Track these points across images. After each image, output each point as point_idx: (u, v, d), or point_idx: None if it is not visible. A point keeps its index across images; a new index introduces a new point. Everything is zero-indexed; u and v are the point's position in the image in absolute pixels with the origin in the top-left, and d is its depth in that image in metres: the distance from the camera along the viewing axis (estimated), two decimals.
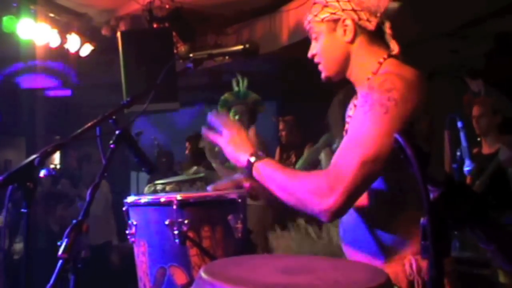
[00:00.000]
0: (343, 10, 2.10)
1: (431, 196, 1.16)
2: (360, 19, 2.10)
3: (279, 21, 6.24)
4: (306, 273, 1.46)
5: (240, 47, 2.50)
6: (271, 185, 2.02)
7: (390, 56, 2.11)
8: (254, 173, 2.07)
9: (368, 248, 2.08)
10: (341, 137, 2.21)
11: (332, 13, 2.12)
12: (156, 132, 8.61)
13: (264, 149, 4.54)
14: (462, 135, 3.88)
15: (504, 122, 5.03)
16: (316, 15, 2.15)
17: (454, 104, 5.42)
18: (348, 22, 2.10)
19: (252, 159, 2.08)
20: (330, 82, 2.22)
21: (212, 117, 2.29)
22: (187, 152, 7.50)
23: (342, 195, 1.83)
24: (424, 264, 1.96)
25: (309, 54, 2.23)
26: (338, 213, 1.87)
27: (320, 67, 2.21)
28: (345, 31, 2.11)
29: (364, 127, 1.89)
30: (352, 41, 2.12)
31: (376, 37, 2.13)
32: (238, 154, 2.14)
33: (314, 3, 2.19)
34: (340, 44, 2.13)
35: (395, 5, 2.13)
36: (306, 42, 2.29)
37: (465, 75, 5.52)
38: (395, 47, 2.11)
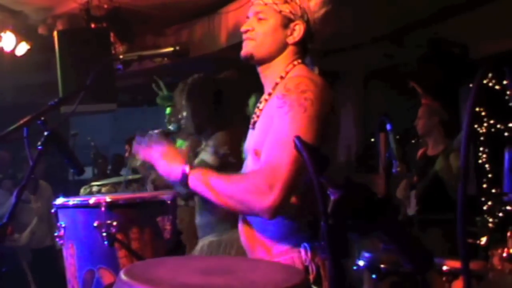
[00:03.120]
0: (300, 15, 2.22)
1: (332, 197, 1.21)
2: (308, 31, 2.24)
3: (218, 23, 6.26)
4: (225, 274, 1.49)
5: (171, 49, 2.53)
6: (208, 193, 2.06)
7: (302, 62, 2.26)
8: (190, 183, 2.09)
9: (272, 234, 2.16)
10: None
11: (291, 12, 2.21)
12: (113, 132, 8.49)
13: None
14: (390, 137, 3.97)
15: (445, 125, 5.17)
16: (276, 4, 2.22)
17: (388, 106, 5.56)
18: (298, 28, 2.22)
19: (187, 169, 2.10)
20: (246, 61, 2.26)
21: (139, 139, 2.33)
22: (126, 154, 7.43)
23: (281, 191, 1.92)
24: (317, 252, 2.05)
25: (243, 29, 2.27)
26: (278, 208, 1.95)
27: (248, 43, 2.26)
28: (292, 33, 2.22)
29: (286, 126, 2.00)
30: (293, 44, 2.24)
31: (306, 47, 2.28)
32: (171, 168, 2.16)
33: None
34: (282, 40, 2.23)
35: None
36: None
37: (396, 80, 5.66)
38: (316, 69, 2.28)
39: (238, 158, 3.38)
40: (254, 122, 2.26)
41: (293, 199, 2.06)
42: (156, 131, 2.75)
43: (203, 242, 3.48)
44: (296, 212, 2.11)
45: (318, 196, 1.08)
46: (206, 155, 3.49)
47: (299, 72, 2.19)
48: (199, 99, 3.60)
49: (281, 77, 2.20)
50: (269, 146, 2.03)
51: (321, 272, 2.05)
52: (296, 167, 1.93)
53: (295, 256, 2.09)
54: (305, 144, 1.14)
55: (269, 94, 2.22)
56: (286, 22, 2.22)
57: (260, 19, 2.24)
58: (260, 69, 2.29)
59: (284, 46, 2.23)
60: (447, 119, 5.19)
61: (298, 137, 1.18)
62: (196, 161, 3.52)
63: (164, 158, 2.19)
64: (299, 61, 2.24)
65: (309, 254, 2.06)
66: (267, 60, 2.25)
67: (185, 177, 2.09)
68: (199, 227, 3.58)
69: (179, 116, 3.82)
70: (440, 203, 4.95)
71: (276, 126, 2.04)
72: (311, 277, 2.04)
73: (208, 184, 2.05)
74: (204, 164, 3.43)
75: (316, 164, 1.11)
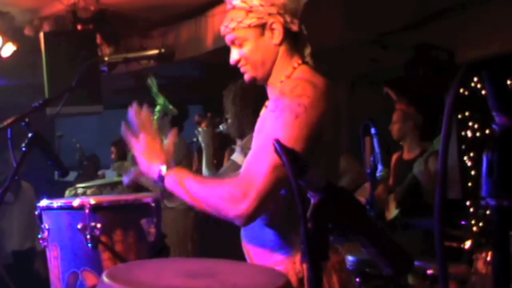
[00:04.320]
0: (269, 14, 2.14)
1: (312, 201, 1.21)
2: (285, 21, 2.15)
3: (205, 26, 6.25)
4: (207, 277, 1.50)
5: (156, 51, 2.54)
6: (183, 194, 2.05)
7: (304, 62, 2.19)
8: (166, 184, 2.09)
9: (267, 245, 2.15)
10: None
11: (258, 18, 2.14)
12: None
13: (188, 160, 4.53)
14: (375, 141, 3.99)
15: (420, 129, 5.23)
16: (241, 22, 2.15)
17: (373, 110, 5.58)
18: (276, 25, 2.14)
19: (164, 169, 2.09)
20: (254, 83, 2.24)
21: (132, 113, 2.26)
22: (112, 156, 7.42)
23: (255, 200, 1.89)
24: None
25: (232, 61, 2.22)
26: (251, 217, 1.93)
27: (245, 69, 2.22)
28: (273, 34, 2.15)
29: (276, 132, 1.94)
30: (279, 44, 2.16)
31: (297, 40, 2.21)
32: (151, 165, 2.15)
33: (233, 8, 2.18)
34: (269, 47, 2.16)
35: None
36: (230, 48, 2.30)
37: (383, 85, 5.70)
38: (308, 48, 2.20)
39: None
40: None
41: (283, 208, 2.04)
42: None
43: None
44: (289, 221, 2.08)
45: (296, 200, 1.08)
46: (235, 155, 3.51)
47: (300, 74, 2.13)
48: (242, 103, 3.61)
49: (281, 82, 2.16)
50: (253, 153, 2.01)
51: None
52: (274, 176, 1.90)
53: (289, 267, 2.08)
54: (284, 147, 1.15)
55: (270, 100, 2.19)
56: (261, 29, 2.16)
57: (238, 45, 2.20)
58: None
59: (275, 50, 2.17)
60: (421, 123, 5.26)
61: (277, 141, 1.19)
62: (229, 162, 3.55)
63: (144, 154, 2.17)
64: (299, 61, 2.18)
65: (304, 264, 2.00)
66: (270, 73, 2.20)
67: (161, 177, 2.08)
68: None
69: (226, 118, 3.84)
70: (419, 207, 5.00)
71: (265, 130, 2.01)
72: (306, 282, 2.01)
73: (183, 185, 2.04)
74: (234, 164, 3.45)
75: (295, 168, 1.12)
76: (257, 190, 1.89)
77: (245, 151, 3.48)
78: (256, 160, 1.96)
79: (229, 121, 3.73)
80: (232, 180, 2.01)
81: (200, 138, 4.02)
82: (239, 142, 3.69)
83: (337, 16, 5.71)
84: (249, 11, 2.14)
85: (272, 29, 2.15)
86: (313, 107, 1.97)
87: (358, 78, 7.50)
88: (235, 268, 1.67)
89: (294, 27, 2.16)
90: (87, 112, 6.17)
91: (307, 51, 2.22)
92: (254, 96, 3.60)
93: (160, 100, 4.55)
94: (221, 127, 4.08)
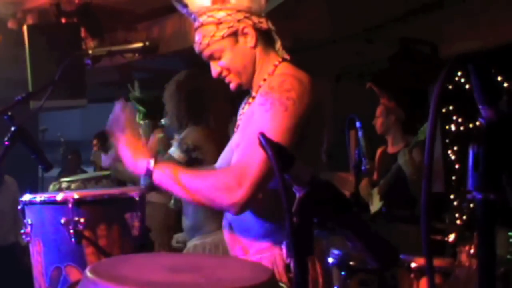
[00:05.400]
0: (238, 21, 2.20)
1: (297, 195, 1.21)
2: (254, 23, 2.22)
3: (189, 20, 6.23)
4: (191, 272, 1.49)
5: (140, 44, 2.52)
6: (174, 187, 2.08)
7: (284, 60, 2.26)
8: (155, 177, 2.11)
9: (254, 232, 2.20)
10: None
11: (229, 27, 2.19)
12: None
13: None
14: (360, 134, 4.01)
15: (404, 123, 5.28)
16: (213, 36, 2.19)
17: (359, 104, 5.60)
18: (247, 29, 2.21)
19: (151, 163, 2.11)
20: (240, 89, 2.29)
21: (118, 108, 2.31)
22: (95, 149, 7.38)
23: (249, 189, 1.95)
24: None
25: (215, 75, 2.27)
26: (245, 205, 1.99)
27: (229, 79, 2.27)
28: (246, 38, 2.21)
29: (266, 124, 2.01)
30: (255, 46, 2.23)
31: (269, 39, 2.28)
32: (136, 160, 2.17)
33: (202, 25, 2.23)
34: (246, 51, 2.22)
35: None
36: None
37: (368, 78, 5.72)
38: (278, 42, 2.27)
39: (207, 155, 3.39)
40: (238, 125, 2.30)
41: (271, 196, 2.06)
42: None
43: (189, 246, 3.50)
44: (277, 210, 2.12)
45: (282, 194, 1.08)
46: (172, 149, 3.52)
47: (284, 70, 2.19)
48: (177, 96, 3.63)
49: (264, 80, 2.21)
50: (244, 143, 2.07)
51: None
52: (267, 166, 1.95)
53: (276, 253, 2.13)
54: (270, 141, 1.14)
55: (253, 98, 2.24)
56: (234, 37, 2.21)
57: (217, 58, 2.24)
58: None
59: (253, 53, 2.23)
60: (404, 117, 5.31)
61: (262, 134, 1.18)
62: (166, 156, 3.54)
63: (130, 149, 2.20)
64: (279, 58, 2.25)
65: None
66: (252, 76, 2.26)
67: (149, 171, 2.10)
68: (185, 231, 3.61)
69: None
70: (403, 199, 5.03)
71: (255, 123, 2.06)
72: (292, 274, 2.04)
73: (173, 179, 2.06)
74: (170, 158, 3.46)
75: (280, 162, 1.11)
76: (251, 179, 1.95)
77: (182, 146, 3.49)
78: (249, 151, 1.99)
79: (169, 114, 3.75)
80: (225, 170, 2.10)
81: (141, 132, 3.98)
82: (176, 137, 3.69)
83: (322, 11, 5.71)
84: (218, 23, 2.19)
85: (244, 34, 2.21)
86: (300, 101, 2.04)
87: (343, 72, 7.51)
88: (220, 262, 1.66)
89: (263, 26, 2.24)
90: (71, 105, 6.14)
91: (278, 45, 2.29)
92: (191, 90, 3.63)
93: (140, 108, 4.49)
94: (163, 120, 4.09)
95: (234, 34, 2.20)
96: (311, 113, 2.09)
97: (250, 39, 2.21)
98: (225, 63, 2.23)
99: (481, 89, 1.01)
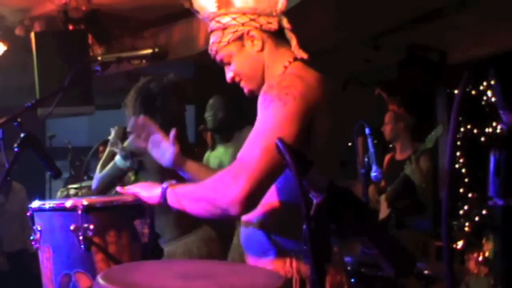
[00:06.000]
0: (242, 24, 2.16)
1: (315, 201, 1.19)
2: (261, 24, 2.17)
3: (197, 26, 6.24)
4: (204, 278, 1.48)
5: (149, 50, 2.52)
6: (184, 204, 2.07)
7: (295, 59, 2.18)
8: (169, 200, 2.12)
9: (257, 246, 2.16)
10: None
11: (234, 32, 2.17)
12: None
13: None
14: (369, 141, 4.00)
15: (413, 129, 5.26)
16: (220, 41, 2.19)
17: (366, 111, 5.59)
18: (253, 32, 2.17)
19: (164, 186, 2.14)
20: (254, 96, 2.22)
21: (138, 121, 2.40)
22: (101, 155, 7.35)
23: (247, 182, 1.85)
24: (303, 263, 2.04)
25: (228, 79, 2.26)
26: (247, 202, 1.88)
27: (242, 84, 2.25)
28: (252, 41, 2.17)
29: (265, 120, 1.96)
30: (262, 49, 2.18)
31: (281, 38, 2.21)
32: (152, 195, 2.22)
33: (212, 31, 2.23)
34: (253, 56, 2.19)
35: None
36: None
37: (375, 85, 5.71)
38: (293, 41, 2.19)
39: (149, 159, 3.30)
40: None
41: (278, 209, 2.04)
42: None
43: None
44: (280, 224, 2.09)
45: (301, 199, 1.06)
46: (116, 158, 3.53)
47: (291, 71, 2.14)
48: (133, 101, 3.62)
49: None
50: (245, 144, 2.00)
51: (306, 283, 2.03)
52: (266, 158, 1.87)
53: (279, 267, 2.06)
54: (288, 146, 1.13)
55: None
56: (240, 43, 2.19)
57: (227, 63, 2.24)
58: None
59: (261, 57, 2.19)
60: (413, 124, 5.29)
61: (280, 139, 1.17)
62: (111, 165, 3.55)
63: (143, 190, 2.28)
64: (290, 59, 2.18)
65: (294, 264, 2.04)
66: (262, 81, 2.21)
67: (164, 200, 2.13)
68: None
69: None
70: (412, 206, 5.02)
71: (256, 122, 2.02)
72: None
73: (181, 196, 2.06)
74: (116, 167, 3.46)
75: (299, 167, 1.09)
76: (249, 172, 1.86)
77: (121, 153, 3.49)
78: (247, 147, 1.96)
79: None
80: (223, 170, 2.03)
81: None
82: (120, 145, 3.66)
83: (330, 17, 5.71)
84: (224, 28, 2.18)
85: (251, 37, 2.18)
86: (301, 98, 1.97)
87: (350, 78, 7.50)
88: (232, 269, 1.65)
89: (273, 26, 2.19)
90: (79, 112, 6.15)
91: (293, 44, 2.21)
92: (144, 97, 3.60)
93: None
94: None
95: (240, 39, 2.17)
96: (317, 112, 2.01)
97: (256, 43, 2.16)
98: (235, 69, 2.21)
99: (503, 94, 0.99)
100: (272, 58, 2.19)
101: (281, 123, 1.93)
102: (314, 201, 1.22)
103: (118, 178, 3.62)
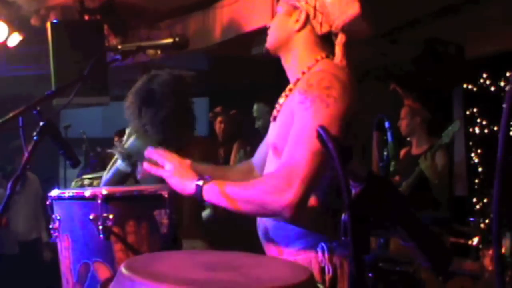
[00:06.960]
0: (306, 2, 2.21)
1: (353, 191, 1.17)
2: (314, 17, 2.20)
3: (213, 18, 6.20)
4: (229, 270, 1.46)
5: (170, 40, 2.50)
6: (224, 202, 2.05)
7: (327, 57, 2.21)
8: (205, 195, 2.09)
9: (288, 234, 2.16)
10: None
11: (292, 3, 2.25)
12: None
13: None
14: (389, 134, 3.96)
15: (428, 124, 5.23)
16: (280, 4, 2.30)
17: (383, 105, 5.56)
18: (303, 15, 2.21)
19: (200, 183, 2.10)
20: (268, 54, 2.34)
21: (150, 152, 2.36)
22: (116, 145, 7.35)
23: (300, 187, 1.90)
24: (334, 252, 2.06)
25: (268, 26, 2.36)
26: (299, 205, 1.92)
27: (267, 38, 2.34)
28: (297, 20, 2.23)
29: (308, 122, 1.97)
30: (298, 31, 2.23)
31: (322, 40, 2.23)
32: (184, 183, 2.16)
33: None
34: (288, 28, 2.25)
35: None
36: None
37: (392, 79, 5.67)
38: (338, 57, 2.18)
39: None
40: (275, 117, 2.26)
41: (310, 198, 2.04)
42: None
43: None
44: (313, 211, 2.10)
45: (343, 189, 1.04)
46: (118, 161, 3.51)
47: (323, 67, 2.15)
48: (134, 108, 3.60)
49: (303, 73, 2.19)
50: (289, 145, 2.02)
51: (337, 273, 2.05)
52: (315, 163, 1.92)
53: (311, 256, 2.10)
54: (330, 134, 1.11)
55: (290, 90, 2.21)
56: (291, 11, 2.25)
57: (276, 13, 2.35)
58: (282, 62, 2.32)
59: (291, 34, 2.24)
60: (429, 118, 5.26)
61: (322, 127, 1.15)
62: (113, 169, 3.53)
63: (175, 175, 2.20)
64: (323, 55, 2.20)
65: (326, 254, 2.06)
66: (278, 49, 2.29)
67: (199, 190, 2.09)
68: None
69: None
70: (426, 201, 4.99)
71: (297, 122, 2.03)
72: (327, 277, 2.03)
73: (223, 193, 2.04)
74: (118, 171, 3.45)
75: (340, 156, 1.08)
76: (301, 177, 1.91)
77: (121, 155, 3.46)
78: (294, 150, 1.97)
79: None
80: (272, 174, 2.05)
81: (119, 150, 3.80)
82: (119, 148, 3.63)
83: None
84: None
85: (299, 16, 2.23)
86: (341, 99, 2.00)
87: (366, 72, 7.46)
88: (256, 261, 1.63)
89: (318, 30, 2.21)
90: (94, 103, 6.15)
91: (337, 58, 2.19)
92: (143, 95, 3.56)
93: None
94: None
95: (294, 8, 2.24)
96: (353, 112, 2.04)
97: (298, 23, 2.22)
98: (272, 21, 2.34)
99: None
100: (304, 46, 2.23)
101: (326, 126, 1.93)
102: (353, 191, 1.20)
103: (120, 181, 3.60)
